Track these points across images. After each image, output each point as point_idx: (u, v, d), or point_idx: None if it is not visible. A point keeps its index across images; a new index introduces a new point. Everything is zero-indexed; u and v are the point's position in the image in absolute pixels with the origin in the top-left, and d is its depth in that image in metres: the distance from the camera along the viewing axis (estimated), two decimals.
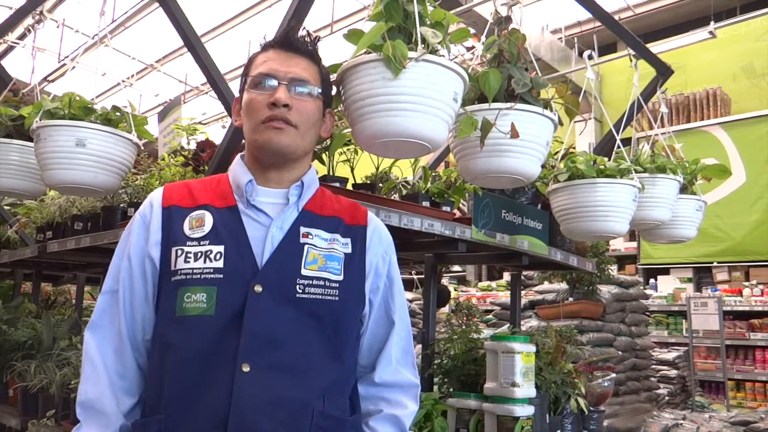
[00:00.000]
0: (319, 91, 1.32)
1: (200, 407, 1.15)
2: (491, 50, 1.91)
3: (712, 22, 6.57)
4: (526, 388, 2.18)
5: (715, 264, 7.28)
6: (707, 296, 6.38)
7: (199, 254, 1.21)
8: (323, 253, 1.26)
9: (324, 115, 1.36)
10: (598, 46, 3.27)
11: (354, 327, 1.32)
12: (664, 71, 3.22)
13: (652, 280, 7.65)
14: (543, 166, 1.93)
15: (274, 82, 1.27)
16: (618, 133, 2.60)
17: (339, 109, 1.65)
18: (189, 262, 1.21)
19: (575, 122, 2.38)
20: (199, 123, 3.24)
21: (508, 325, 3.50)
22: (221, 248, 1.21)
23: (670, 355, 6.27)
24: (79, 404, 1.23)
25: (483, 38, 1.95)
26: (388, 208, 1.92)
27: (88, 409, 1.22)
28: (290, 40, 1.33)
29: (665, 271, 7.66)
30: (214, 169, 2.01)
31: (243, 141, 1.38)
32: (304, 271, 1.22)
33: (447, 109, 1.54)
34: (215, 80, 2.07)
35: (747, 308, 6.53)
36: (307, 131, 1.30)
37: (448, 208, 2.42)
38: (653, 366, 5.62)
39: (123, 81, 3.24)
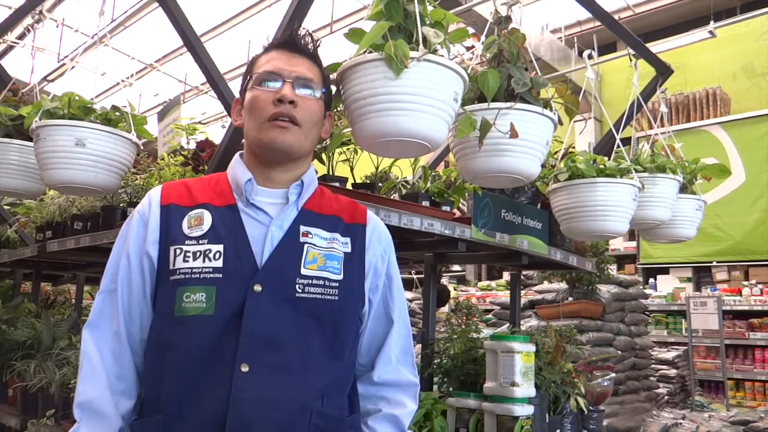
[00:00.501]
0: (323, 91, 1.33)
1: (199, 407, 1.15)
2: (491, 50, 1.91)
3: (711, 22, 6.58)
4: (526, 388, 2.18)
5: (714, 263, 7.29)
6: (707, 296, 6.38)
7: (198, 253, 1.21)
8: (323, 252, 1.26)
9: (324, 117, 1.36)
10: (598, 46, 3.27)
11: (353, 326, 1.32)
12: (663, 71, 3.22)
13: (651, 280, 7.66)
14: (543, 166, 1.93)
15: (279, 81, 1.27)
16: (618, 133, 2.60)
17: (339, 108, 1.65)
18: (188, 261, 1.20)
19: (575, 122, 2.39)
20: (199, 123, 3.24)
21: (508, 324, 3.51)
22: (220, 247, 1.21)
23: (669, 354, 6.28)
24: (77, 405, 1.22)
25: (483, 38, 1.95)
26: (387, 208, 1.92)
27: (87, 410, 1.21)
28: (294, 41, 1.34)
29: (665, 271, 7.67)
30: (213, 169, 2.01)
31: (243, 141, 1.37)
32: (303, 271, 1.22)
33: (447, 108, 1.54)
34: (215, 80, 2.07)
35: (746, 308, 6.54)
36: (309, 131, 1.30)
37: (447, 208, 2.42)
38: (653, 365, 5.63)
39: (122, 81, 3.24)
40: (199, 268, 1.19)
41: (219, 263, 1.19)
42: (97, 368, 1.22)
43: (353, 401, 1.31)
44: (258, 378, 1.15)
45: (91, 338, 1.25)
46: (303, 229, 1.27)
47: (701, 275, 7.50)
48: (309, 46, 1.35)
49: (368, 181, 2.37)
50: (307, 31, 1.38)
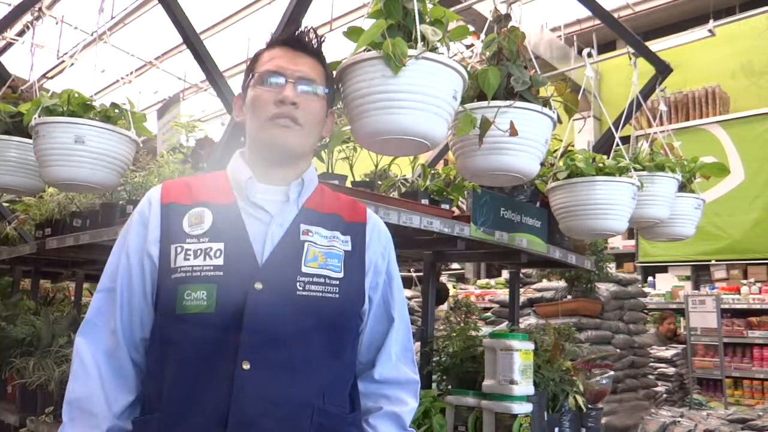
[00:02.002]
0: (325, 90, 1.32)
1: (200, 405, 1.15)
2: (490, 48, 1.91)
3: (711, 20, 6.57)
4: (525, 386, 2.18)
5: (713, 262, 7.30)
6: (705, 294, 6.39)
7: (199, 251, 1.20)
8: (323, 250, 1.26)
9: (326, 115, 1.36)
10: (597, 44, 3.27)
11: (354, 324, 1.32)
12: (663, 69, 3.22)
13: (650, 278, 7.67)
14: (542, 164, 1.94)
15: (282, 80, 1.26)
16: (617, 131, 2.61)
17: (338, 106, 1.65)
18: (189, 259, 1.20)
19: (574, 120, 2.39)
20: (198, 120, 3.24)
21: (507, 322, 3.51)
22: (221, 245, 1.21)
23: (668, 352, 6.29)
24: (66, 402, 1.21)
25: (482, 36, 1.95)
26: (387, 206, 1.92)
27: (75, 408, 1.20)
28: (298, 38, 1.33)
29: (663, 269, 7.68)
30: (212, 167, 2.01)
31: (242, 138, 1.37)
32: (304, 269, 1.22)
33: (446, 106, 1.55)
34: (214, 77, 2.07)
35: (745, 306, 6.55)
36: (311, 130, 1.30)
37: (447, 206, 2.42)
38: (651, 364, 5.64)
39: (122, 78, 3.24)
40: (199, 266, 1.19)
41: (219, 261, 1.19)
42: (88, 366, 1.21)
43: (354, 399, 1.31)
44: (259, 375, 1.15)
45: (86, 338, 1.25)
46: (303, 227, 1.27)
47: (700, 274, 7.51)
48: (313, 43, 1.34)
49: (367, 179, 2.37)
50: (311, 28, 1.37)
